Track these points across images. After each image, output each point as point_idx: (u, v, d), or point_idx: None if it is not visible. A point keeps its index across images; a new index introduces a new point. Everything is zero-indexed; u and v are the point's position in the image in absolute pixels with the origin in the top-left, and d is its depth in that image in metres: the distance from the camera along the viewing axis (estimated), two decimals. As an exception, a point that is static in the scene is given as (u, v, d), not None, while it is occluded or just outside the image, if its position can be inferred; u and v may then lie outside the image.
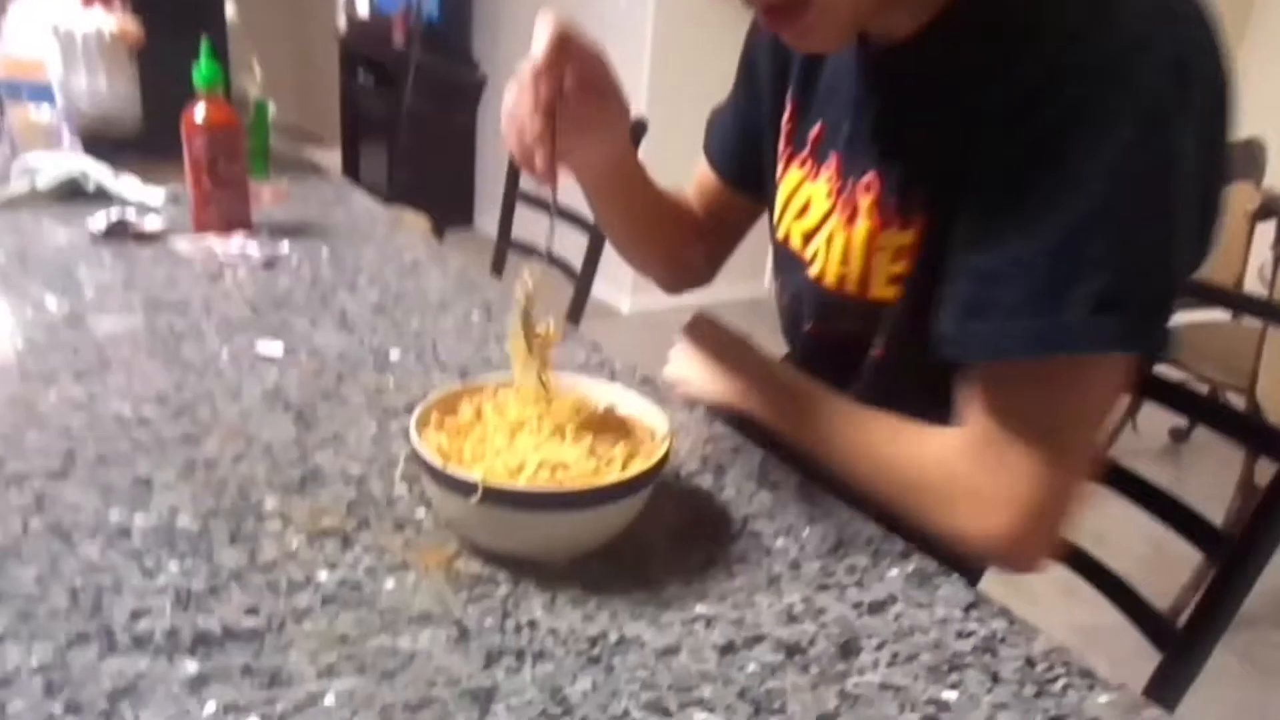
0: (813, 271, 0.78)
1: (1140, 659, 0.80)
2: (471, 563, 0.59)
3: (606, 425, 0.64)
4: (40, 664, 0.47)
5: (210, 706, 0.45)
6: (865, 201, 0.71)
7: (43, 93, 1.53)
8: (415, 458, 0.58)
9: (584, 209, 1.67)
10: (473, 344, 0.95)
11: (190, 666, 0.48)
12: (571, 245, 1.72)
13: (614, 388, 0.69)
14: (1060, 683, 0.52)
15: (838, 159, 0.76)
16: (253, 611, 0.53)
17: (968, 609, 0.59)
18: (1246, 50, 3.41)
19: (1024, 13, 0.61)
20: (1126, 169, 0.55)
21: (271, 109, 1.65)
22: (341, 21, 5.44)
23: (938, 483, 0.65)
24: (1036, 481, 0.60)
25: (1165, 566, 1.59)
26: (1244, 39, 3.41)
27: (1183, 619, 0.80)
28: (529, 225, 1.86)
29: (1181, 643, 0.80)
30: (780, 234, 0.84)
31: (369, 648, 0.51)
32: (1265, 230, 2.16)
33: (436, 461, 0.56)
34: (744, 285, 3.07)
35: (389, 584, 0.56)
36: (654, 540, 0.63)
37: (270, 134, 1.64)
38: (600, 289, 1.83)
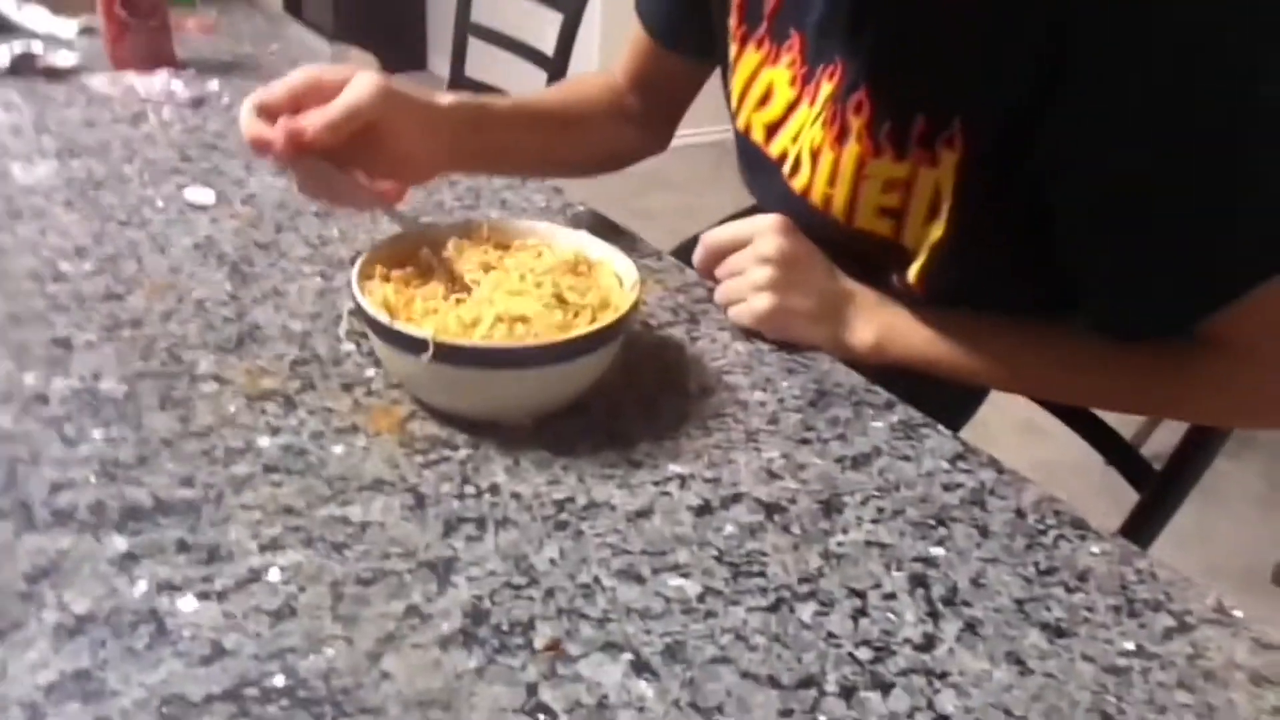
0: (796, 184, 0.69)
1: (1102, 496, 0.79)
2: (427, 424, 0.55)
3: (569, 273, 0.59)
4: (-51, 544, 0.43)
5: (141, 585, 0.42)
6: (856, 123, 0.63)
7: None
8: (360, 312, 0.53)
9: (538, 45, 1.52)
10: (424, 189, 0.87)
11: (118, 543, 0.44)
12: (536, 81, 1.60)
13: (577, 234, 0.63)
14: (1051, 534, 0.50)
15: (799, 40, 0.66)
16: (187, 482, 0.48)
17: (954, 460, 0.56)
18: None
19: None
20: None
21: (193, -71, 1.48)
22: None
23: (1241, 411, 0.64)
24: None
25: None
26: None
27: (1147, 449, 0.80)
28: (483, 65, 1.73)
29: (1159, 481, 0.79)
30: (740, 123, 0.74)
31: (316, 519, 0.47)
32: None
33: (382, 317, 0.51)
34: (711, 127, 2.94)
35: (337, 449, 0.52)
36: (623, 397, 0.59)
37: (194, -42, 1.49)
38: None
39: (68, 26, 1.21)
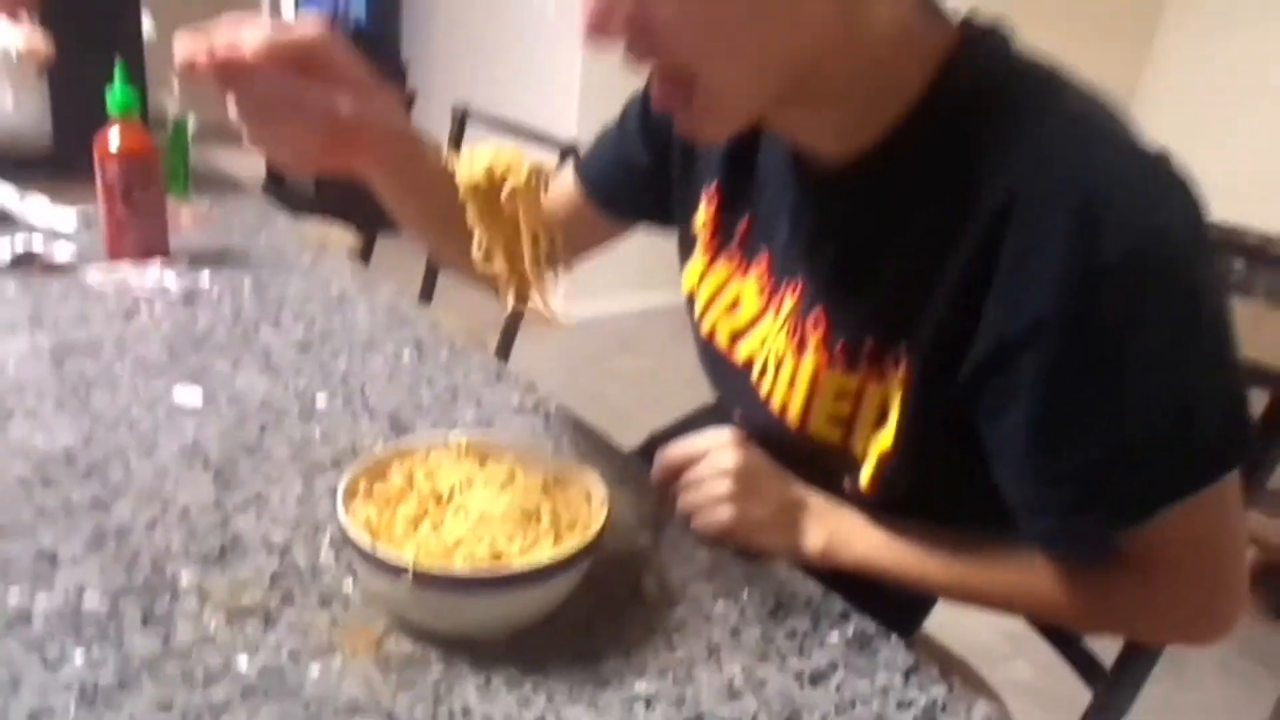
0: (762, 388, 0.74)
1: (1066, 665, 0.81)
2: (402, 641, 0.57)
3: (542, 490, 0.62)
4: (-73, 781, 0.44)
5: (117, 825, 0.43)
6: (814, 337, 0.69)
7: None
8: (342, 534, 0.56)
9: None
10: (404, 387, 0.92)
11: (96, 777, 0.45)
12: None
13: (548, 449, 0.67)
14: (998, 755, 0.53)
15: (768, 257, 0.74)
16: (166, 707, 0.50)
17: (907, 675, 0.59)
18: (1156, 56, 3.54)
19: (992, 136, 0.58)
20: (1179, 308, 0.54)
21: (192, 123, 1.58)
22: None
23: (1137, 619, 0.68)
24: (1228, 590, 0.63)
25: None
26: (1152, 45, 3.54)
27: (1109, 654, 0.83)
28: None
29: (1112, 681, 0.82)
30: (705, 329, 0.81)
31: (292, 746, 0.48)
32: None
33: (365, 542, 0.54)
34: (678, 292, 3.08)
35: (314, 671, 0.53)
36: (591, 609, 0.61)
37: (190, 151, 1.58)
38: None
39: (67, 217, 1.28)
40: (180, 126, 1.50)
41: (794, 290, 0.71)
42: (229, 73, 0.61)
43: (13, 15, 1.38)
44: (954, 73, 0.60)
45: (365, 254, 2.01)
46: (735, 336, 0.78)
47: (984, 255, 0.57)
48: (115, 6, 1.44)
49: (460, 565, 0.55)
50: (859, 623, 0.63)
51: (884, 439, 0.67)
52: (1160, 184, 0.55)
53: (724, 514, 0.68)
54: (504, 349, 1.63)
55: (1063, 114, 0.57)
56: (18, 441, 0.74)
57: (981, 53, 0.61)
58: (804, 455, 0.72)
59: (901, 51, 0.60)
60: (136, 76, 1.15)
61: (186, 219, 1.37)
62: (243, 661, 0.53)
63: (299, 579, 0.61)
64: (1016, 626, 0.83)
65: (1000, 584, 0.68)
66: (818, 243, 0.69)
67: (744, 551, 0.69)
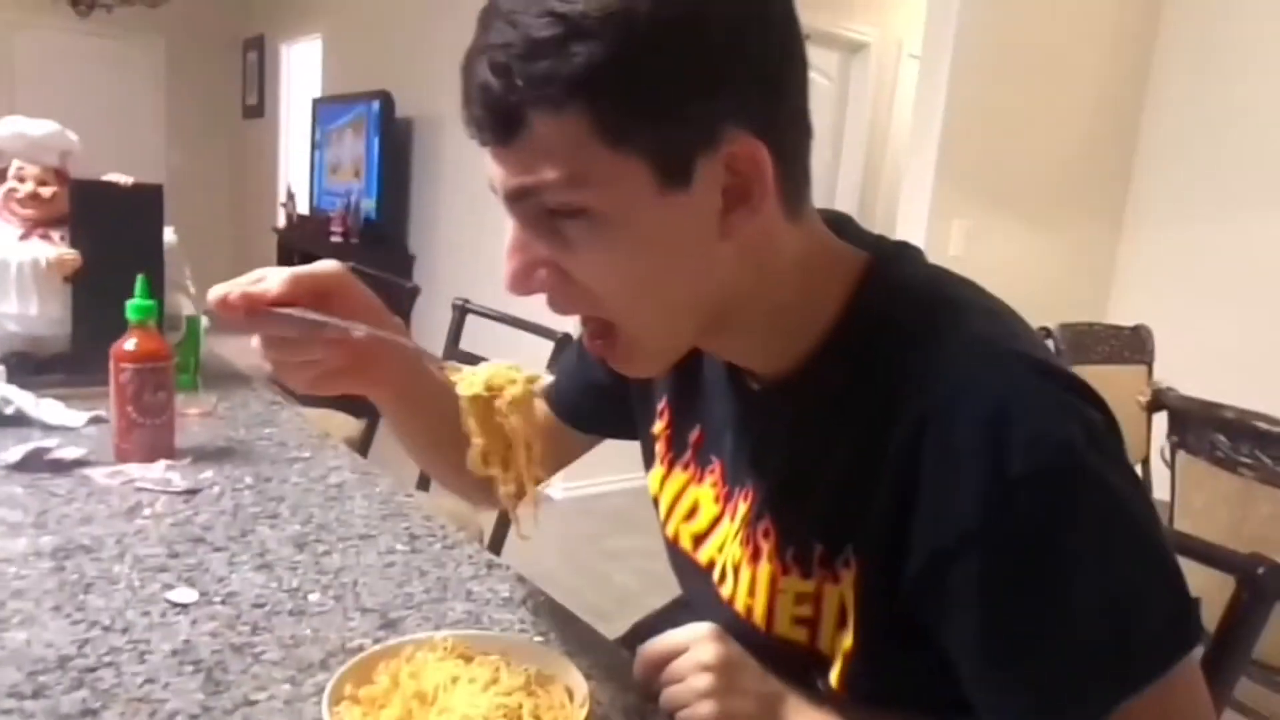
0: (724, 592, 0.76)
1: None
2: None
3: (524, 689, 0.64)
4: None
5: None
6: (766, 546, 0.72)
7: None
8: (326, 741, 0.57)
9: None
10: (394, 581, 0.93)
11: None
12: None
13: (534, 649, 0.69)
14: None
15: (720, 466, 0.78)
16: None
17: None
18: (1128, 239, 3.73)
19: (903, 359, 0.62)
20: (1097, 510, 0.57)
21: (205, 323, 1.68)
22: (280, 219, 5.62)
23: None
24: None
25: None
26: (1122, 226, 3.74)
27: None
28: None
29: None
30: (670, 531, 0.84)
31: None
32: (1160, 419, 2.29)
33: (347, 749, 0.55)
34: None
35: None
36: (574, 813, 0.61)
37: (202, 346, 1.66)
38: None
39: (78, 418, 1.33)
40: (193, 324, 1.59)
41: (745, 497, 0.75)
42: (255, 307, 0.68)
43: (45, 232, 1.49)
44: (865, 297, 0.66)
45: (366, 441, 2.06)
46: (697, 541, 0.81)
47: (906, 472, 0.60)
48: (140, 220, 1.55)
49: (440, 771, 0.55)
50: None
51: (847, 638, 0.68)
52: (1061, 398, 0.59)
53: (705, 710, 0.69)
54: (501, 530, 1.65)
55: (968, 335, 0.62)
56: (14, 648, 0.75)
57: (891, 274, 0.67)
58: (775, 654, 0.72)
59: (815, 280, 0.66)
60: (156, 285, 1.23)
61: (193, 415, 1.43)
62: None
63: (282, 788, 0.61)
64: None
65: None
66: (760, 453, 0.74)
67: (728, 747, 0.69)
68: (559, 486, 3.66)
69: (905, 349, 0.62)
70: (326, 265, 0.72)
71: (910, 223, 3.28)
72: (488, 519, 1.67)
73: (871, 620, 0.66)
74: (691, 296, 0.63)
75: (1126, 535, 0.58)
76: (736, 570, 0.74)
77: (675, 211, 0.59)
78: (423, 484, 1.81)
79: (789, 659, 0.72)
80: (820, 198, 0.71)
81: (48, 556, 0.92)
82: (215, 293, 0.69)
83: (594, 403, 0.93)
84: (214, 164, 6.82)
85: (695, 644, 0.71)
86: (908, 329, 0.63)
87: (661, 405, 0.84)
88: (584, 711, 0.61)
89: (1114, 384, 2.44)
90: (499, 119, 0.57)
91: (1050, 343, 2.39)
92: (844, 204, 4.74)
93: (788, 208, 0.63)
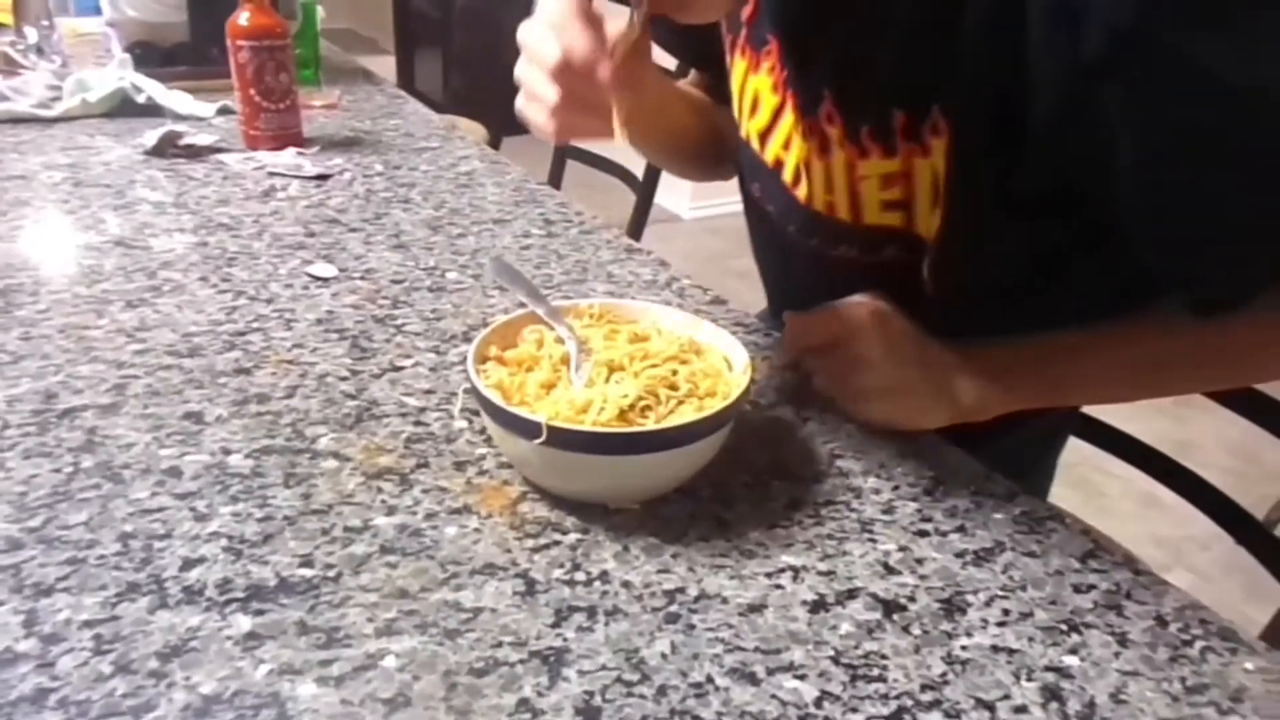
0: (800, 194, 0.68)
1: (1230, 575, 0.74)
2: (537, 506, 0.55)
3: (678, 358, 0.59)
4: (90, 618, 0.45)
5: (264, 669, 0.43)
6: (833, 133, 0.62)
7: (89, 3, 1.49)
8: (475, 394, 0.54)
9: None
10: (532, 263, 0.89)
11: (243, 623, 0.45)
12: (631, 153, 1.64)
13: (687, 317, 0.63)
14: (1198, 645, 0.47)
15: (776, 44, 0.66)
16: (307, 562, 0.49)
17: (1085, 558, 0.53)
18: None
19: None
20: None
21: (320, 13, 1.58)
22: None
23: None
24: None
25: (1258, 479, 1.49)
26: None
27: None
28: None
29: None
30: (744, 132, 0.75)
31: (430, 603, 0.47)
32: None
33: (498, 400, 0.52)
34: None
35: (450, 531, 0.52)
36: (731, 480, 0.58)
37: (320, 40, 1.58)
38: (659, 196, 1.76)
39: (206, 108, 1.30)
40: (309, 11, 1.50)
41: (827, 116, 0.65)
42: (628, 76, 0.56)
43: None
44: None
45: (493, 147, 1.99)
46: (763, 138, 0.72)
47: None
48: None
49: (594, 425, 0.52)
50: (1027, 503, 0.57)
51: (935, 219, 0.61)
52: None
53: (880, 412, 0.63)
54: (637, 222, 1.60)
55: None
56: (166, 313, 0.76)
57: None
58: (872, 246, 0.66)
59: None
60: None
61: (318, 107, 1.38)
62: (380, 520, 0.53)
63: (434, 444, 0.60)
64: (1174, 533, 0.75)
65: (1166, 352, 0.61)
66: (815, 20, 0.63)
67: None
68: (686, 206, 3.56)
69: None
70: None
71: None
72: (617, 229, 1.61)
73: (968, 191, 0.58)
74: None
75: None
76: (808, 167, 0.67)
77: None
78: (554, 180, 1.75)
79: (888, 259, 0.66)
80: None
81: (190, 233, 0.92)
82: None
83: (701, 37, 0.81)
84: None
85: (858, 336, 0.63)
86: None
87: None
88: (745, 380, 0.55)
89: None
90: None
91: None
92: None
93: None
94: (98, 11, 1.43)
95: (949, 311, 0.62)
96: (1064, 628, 0.47)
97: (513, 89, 0.63)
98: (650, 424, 0.52)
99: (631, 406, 0.53)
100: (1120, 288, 0.61)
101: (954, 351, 0.65)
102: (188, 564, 0.49)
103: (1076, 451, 0.91)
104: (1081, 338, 0.63)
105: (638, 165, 1.66)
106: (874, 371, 0.63)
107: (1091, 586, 0.51)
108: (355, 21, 5.20)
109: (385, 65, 4.38)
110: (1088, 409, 0.91)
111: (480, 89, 4.05)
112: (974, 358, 0.64)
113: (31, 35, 1.33)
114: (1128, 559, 0.53)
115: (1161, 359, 0.62)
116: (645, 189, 1.67)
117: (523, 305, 0.64)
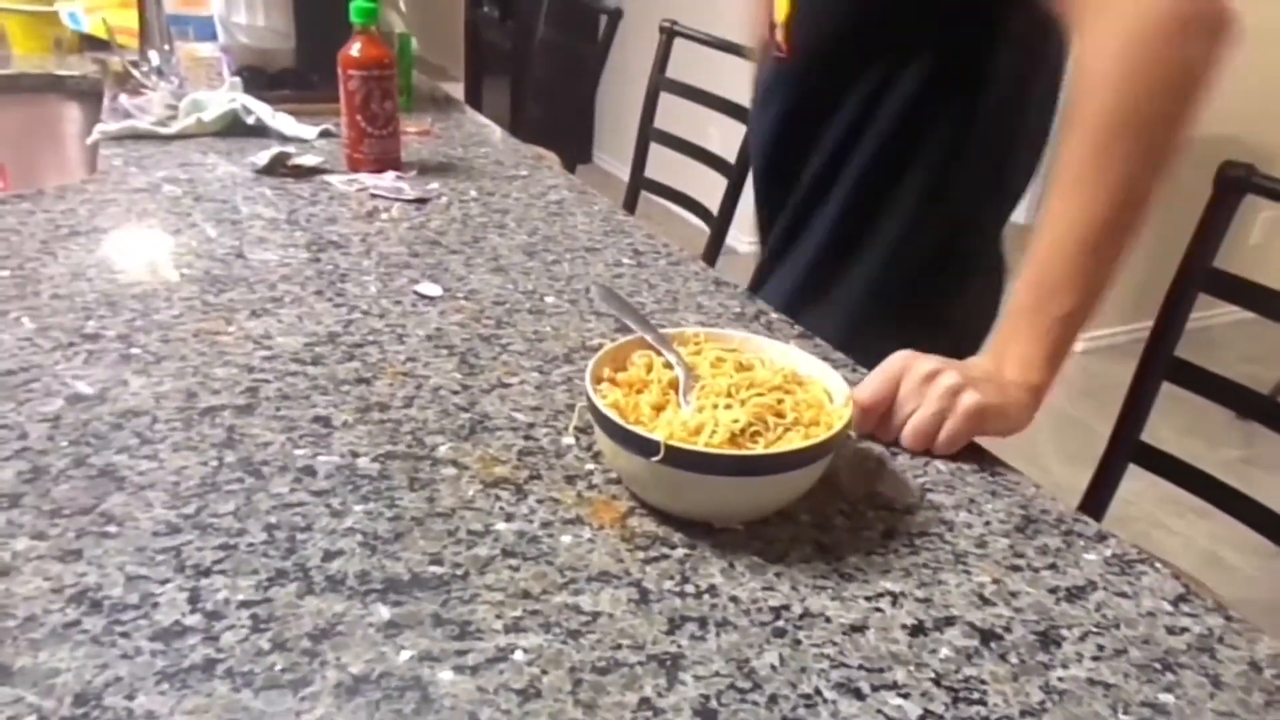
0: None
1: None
2: (645, 521, 0.58)
3: (784, 386, 0.62)
4: (246, 598, 0.49)
5: (405, 655, 0.46)
6: None
7: (206, 28, 1.58)
8: (593, 412, 0.57)
9: (728, 153, 1.62)
10: (624, 291, 0.93)
11: (383, 612, 0.49)
12: (707, 185, 1.68)
13: (788, 349, 0.66)
14: (1290, 693, 0.48)
15: None
16: (437, 560, 0.53)
17: (1177, 601, 0.54)
18: None
19: None
20: None
21: (415, 44, 1.66)
22: (469, -48, 5.42)
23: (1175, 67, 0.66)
24: None
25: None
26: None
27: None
28: (661, 164, 1.83)
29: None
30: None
31: (552, 604, 0.50)
32: None
33: (617, 418, 0.55)
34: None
35: (565, 539, 0.56)
36: (828, 508, 0.61)
37: (413, 70, 1.66)
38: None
39: (310, 131, 1.37)
40: (405, 42, 1.57)
41: None
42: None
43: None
44: None
45: (570, 171, 2.05)
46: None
47: None
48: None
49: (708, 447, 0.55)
50: (1117, 545, 0.59)
51: None
52: None
53: (970, 401, 0.66)
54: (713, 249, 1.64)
55: None
56: (289, 323, 0.81)
57: None
58: None
59: None
60: (374, -8, 1.20)
61: (413, 133, 1.44)
62: (500, 526, 0.56)
63: (544, 458, 0.64)
64: (1236, 595, 0.76)
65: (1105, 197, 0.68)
66: None
67: (984, 466, 0.66)
68: (745, 241, 3.60)
69: None
70: None
71: None
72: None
73: None
74: None
75: None
76: None
77: None
78: (628, 206, 1.79)
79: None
80: None
81: (303, 248, 0.97)
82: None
83: None
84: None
85: (910, 365, 0.68)
86: None
87: None
88: (847, 412, 0.58)
89: None
90: None
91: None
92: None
93: None
94: (213, 37, 1.52)
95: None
96: (1158, 666, 0.49)
97: (574, 122, 0.72)
98: (760, 448, 0.55)
99: (742, 431, 0.56)
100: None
101: (986, 359, 0.72)
102: (328, 555, 0.53)
103: (1136, 506, 0.92)
104: (1033, 264, 0.70)
105: (713, 199, 1.70)
106: (948, 370, 0.67)
107: (1184, 629, 0.52)
108: (426, 49, 5.35)
109: (454, 93, 4.51)
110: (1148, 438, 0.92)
111: (550, 118, 4.16)
112: (1020, 360, 0.70)
113: (154, 58, 1.42)
114: (1219, 605, 0.54)
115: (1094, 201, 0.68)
116: (719, 224, 1.71)
117: (620, 331, 0.67)
